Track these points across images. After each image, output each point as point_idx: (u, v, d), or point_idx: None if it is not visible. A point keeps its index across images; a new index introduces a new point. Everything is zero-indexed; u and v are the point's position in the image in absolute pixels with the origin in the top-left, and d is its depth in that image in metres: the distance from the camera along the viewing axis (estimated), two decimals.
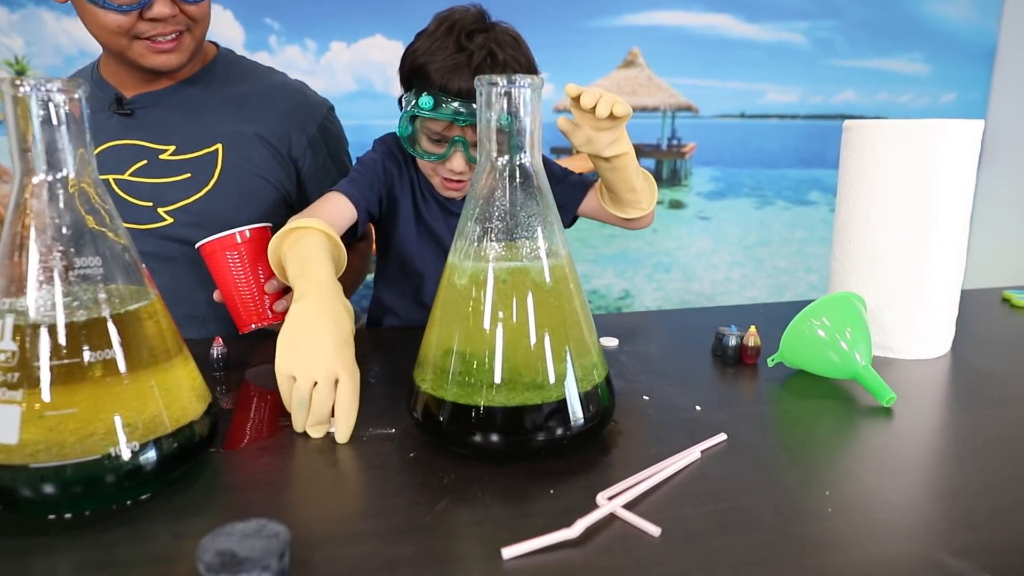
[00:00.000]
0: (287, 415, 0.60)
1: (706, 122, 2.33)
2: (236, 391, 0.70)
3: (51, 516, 0.46)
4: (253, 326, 0.85)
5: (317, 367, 0.59)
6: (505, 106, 0.53)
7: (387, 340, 0.92)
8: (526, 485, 0.50)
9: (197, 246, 0.84)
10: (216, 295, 0.86)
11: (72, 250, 0.47)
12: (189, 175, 0.97)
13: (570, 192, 0.98)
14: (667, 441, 0.57)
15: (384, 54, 2.07)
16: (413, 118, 0.86)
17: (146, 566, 0.41)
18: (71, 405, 0.46)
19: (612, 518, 0.46)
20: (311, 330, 0.61)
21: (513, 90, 0.52)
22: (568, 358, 0.54)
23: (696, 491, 0.50)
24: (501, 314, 0.53)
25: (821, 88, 2.31)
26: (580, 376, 0.54)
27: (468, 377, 0.53)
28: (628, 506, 0.47)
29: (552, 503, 0.48)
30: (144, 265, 0.53)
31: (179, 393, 0.52)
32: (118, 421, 0.47)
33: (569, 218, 1.01)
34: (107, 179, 0.95)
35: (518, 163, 0.54)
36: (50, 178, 0.47)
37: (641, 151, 2.47)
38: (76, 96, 0.47)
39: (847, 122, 0.79)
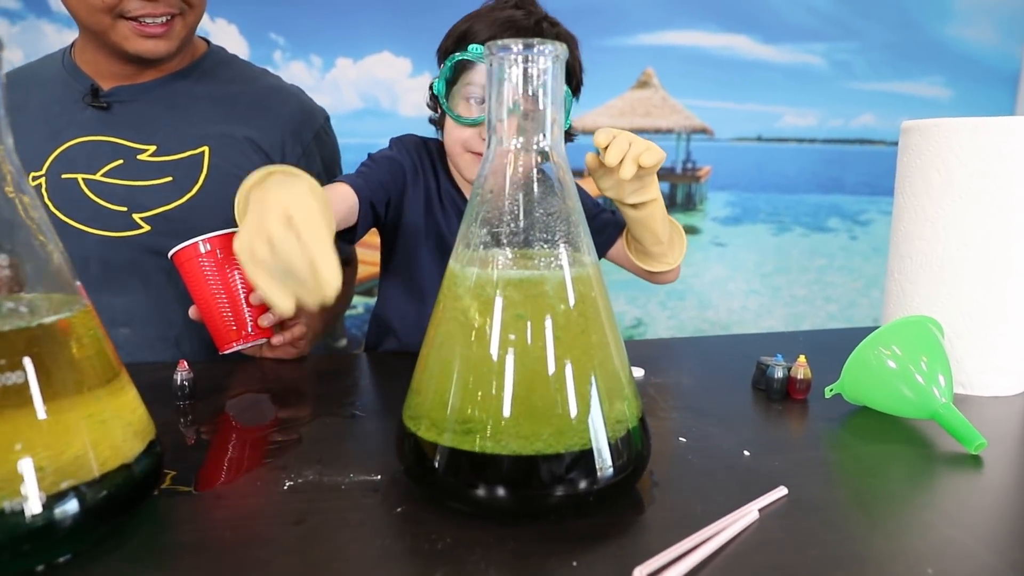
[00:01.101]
0: (260, 453, 0.50)
1: (722, 145, 2.24)
2: (202, 423, 0.60)
3: None
4: (235, 344, 0.75)
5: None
6: (520, 79, 0.43)
7: (384, 365, 0.81)
8: (543, 554, 0.40)
9: (170, 254, 0.74)
10: (192, 311, 0.76)
11: None
12: (170, 179, 0.87)
13: (601, 231, 0.90)
14: (715, 496, 0.46)
15: (391, 71, 2.01)
16: (452, 80, 0.78)
17: None
18: None
19: None
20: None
21: (532, 58, 0.43)
22: (595, 394, 0.43)
23: (760, 565, 0.39)
24: (512, 337, 0.42)
25: (840, 111, 2.22)
26: (609, 416, 0.43)
27: (469, 415, 0.42)
28: None
29: None
30: (77, 278, 0.43)
31: (111, 429, 0.41)
32: (24, 464, 0.37)
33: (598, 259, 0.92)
34: (75, 178, 0.85)
35: (535, 149, 0.44)
36: None
37: (655, 174, 2.38)
38: None
39: (906, 123, 0.69)
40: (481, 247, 0.44)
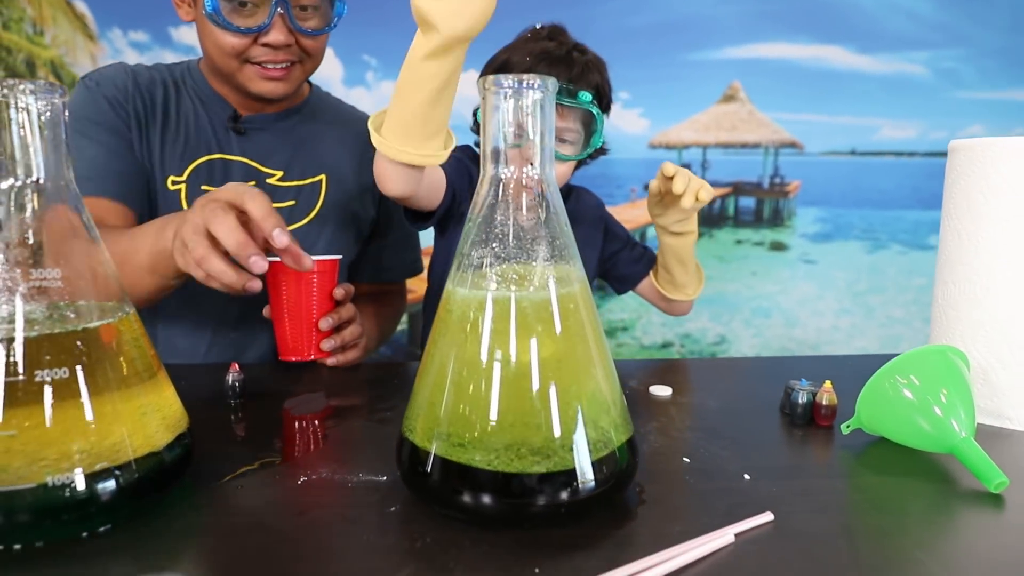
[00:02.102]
0: (288, 450, 0.55)
1: (812, 159, 2.16)
2: (243, 420, 0.66)
3: None
4: (294, 358, 0.82)
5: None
6: (511, 112, 0.46)
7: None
8: (510, 558, 0.42)
9: None
10: (266, 311, 0.84)
11: (30, 260, 0.44)
12: (294, 202, 0.99)
13: (638, 261, 1.04)
14: (698, 517, 0.47)
15: (476, 88, 2.07)
16: None
17: None
18: (15, 427, 0.42)
19: None
20: None
21: (522, 92, 0.45)
22: (577, 411, 0.45)
23: None
24: (497, 354, 0.45)
25: (944, 123, 2.09)
26: (589, 433, 0.45)
27: (453, 427, 0.45)
28: None
29: None
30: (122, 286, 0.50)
31: (146, 421, 0.48)
32: (70, 447, 0.43)
33: (627, 290, 1.06)
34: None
35: (527, 176, 0.47)
36: (15, 184, 0.44)
37: (741, 189, 2.33)
38: (56, 101, 0.45)
39: (953, 142, 0.66)
40: (473, 268, 0.47)
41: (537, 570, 0.41)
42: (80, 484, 0.43)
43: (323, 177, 1.02)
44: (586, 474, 0.44)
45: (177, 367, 0.65)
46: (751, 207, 2.29)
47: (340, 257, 0.85)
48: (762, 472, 0.54)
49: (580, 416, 0.45)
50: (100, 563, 0.41)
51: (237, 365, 0.71)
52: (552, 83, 0.46)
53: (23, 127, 0.44)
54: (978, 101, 2.12)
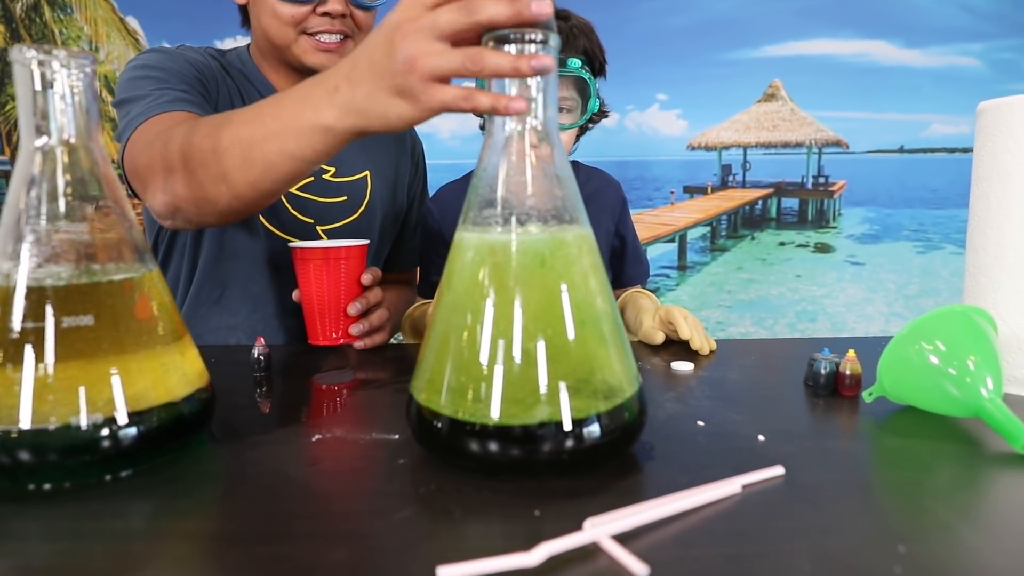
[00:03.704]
0: (303, 414, 0.56)
1: (858, 158, 2.10)
2: (266, 390, 0.68)
3: (30, 486, 0.45)
4: (322, 342, 0.84)
5: None
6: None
7: None
8: (510, 503, 0.42)
9: (290, 246, 0.85)
10: (296, 295, 0.87)
11: (60, 214, 0.46)
12: (346, 198, 1.03)
13: (635, 268, 1.10)
14: (707, 470, 0.46)
15: None
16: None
17: (118, 541, 0.38)
18: (42, 370, 0.44)
19: (594, 551, 0.37)
20: None
21: (523, 47, 0.46)
22: (583, 364, 0.45)
23: (718, 529, 0.39)
24: (499, 305, 0.45)
25: None
26: (599, 388, 0.45)
27: (460, 376, 0.46)
28: (620, 538, 0.37)
29: (530, 525, 0.39)
30: (150, 245, 0.52)
31: (169, 373, 0.50)
32: (96, 392, 0.45)
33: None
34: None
35: (530, 129, 0.47)
36: (45, 143, 0.47)
37: (783, 190, 2.28)
38: (87, 69, 0.48)
39: (981, 104, 0.64)
40: (478, 220, 0.48)
41: (537, 512, 0.41)
42: (104, 428, 0.45)
43: (368, 173, 1.05)
44: (590, 424, 0.44)
45: (202, 348, 0.68)
46: (794, 208, 2.24)
47: (367, 242, 0.87)
48: (778, 435, 0.53)
49: (585, 366, 0.45)
50: (121, 502, 0.43)
51: (263, 340, 0.73)
52: (555, 39, 0.47)
53: (55, 89, 0.46)
54: None
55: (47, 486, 0.45)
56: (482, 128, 1.00)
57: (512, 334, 0.45)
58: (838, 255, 2.15)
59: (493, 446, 0.44)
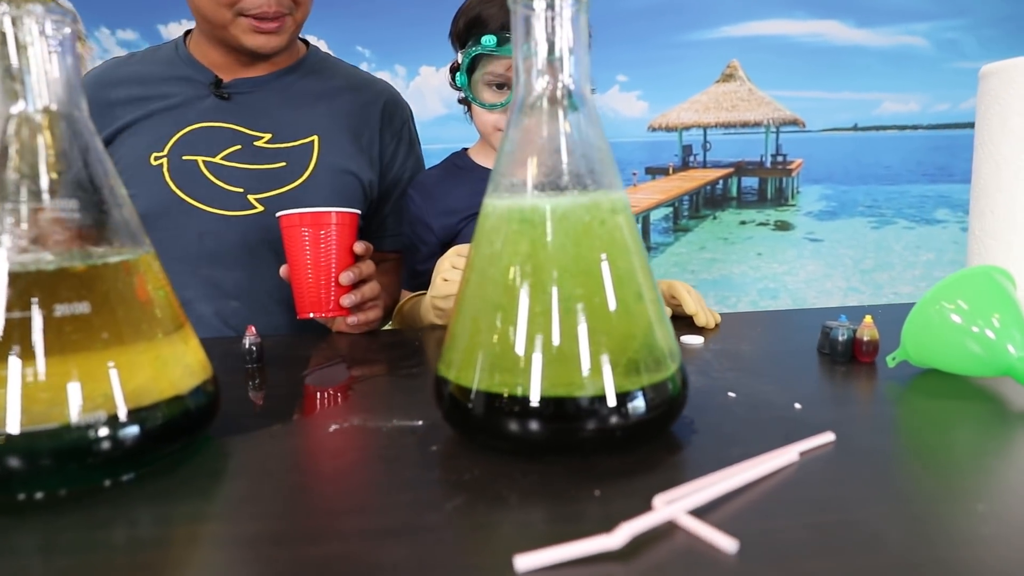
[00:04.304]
0: (311, 405, 0.52)
1: (814, 136, 2.14)
2: (262, 382, 0.63)
3: (20, 496, 0.40)
4: (312, 315, 0.79)
5: None
6: (543, 27, 0.43)
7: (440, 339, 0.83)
8: (565, 485, 0.40)
9: (277, 215, 0.80)
10: (283, 271, 0.82)
11: (46, 189, 0.41)
12: (284, 164, 0.96)
13: None
14: (755, 441, 0.45)
15: None
16: (472, 68, 0.85)
17: (143, 550, 0.34)
18: (32, 364, 0.39)
19: (672, 528, 0.34)
20: None
21: (554, 7, 0.43)
22: (631, 338, 0.43)
23: (791, 499, 0.37)
24: (539, 272, 0.43)
25: (947, 95, 2.08)
26: (644, 358, 0.43)
27: (499, 353, 0.43)
28: (695, 513, 0.35)
29: (597, 507, 0.37)
30: (146, 231, 0.47)
31: (170, 366, 0.45)
32: (92, 387, 0.41)
33: None
34: (195, 160, 0.94)
35: (560, 91, 0.45)
36: (29, 109, 0.42)
37: (744, 169, 2.31)
38: (66, 29, 0.43)
39: (984, 68, 0.65)
40: (510, 189, 0.45)
41: (598, 492, 0.38)
42: (103, 426, 0.40)
43: (315, 138, 0.98)
44: (639, 398, 0.42)
45: None
46: (754, 187, 2.27)
47: (359, 212, 0.83)
48: (812, 402, 0.52)
49: (635, 338, 0.43)
50: (133, 507, 0.39)
51: (254, 328, 0.68)
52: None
53: (30, 49, 0.41)
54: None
55: (37, 495, 0.40)
56: (461, 102, 0.96)
57: (554, 305, 0.42)
58: (797, 232, 2.19)
59: (541, 424, 0.41)
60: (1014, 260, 0.63)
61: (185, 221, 0.92)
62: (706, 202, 2.29)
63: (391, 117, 1.07)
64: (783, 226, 2.18)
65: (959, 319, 0.54)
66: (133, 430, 0.42)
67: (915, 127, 2.13)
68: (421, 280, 0.97)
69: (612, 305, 0.43)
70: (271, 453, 0.46)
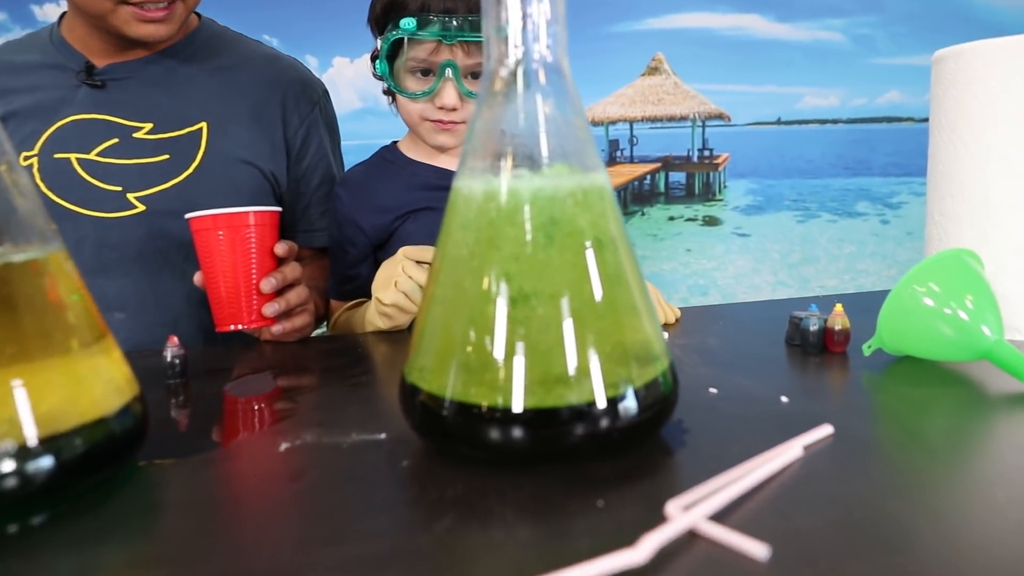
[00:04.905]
0: (254, 422, 0.46)
1: (739, 130, 2.19)
2: (192, 399, 0.57)
3: None
4: (233, 327, 0.72)
5: None
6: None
7: (391, 342, 0.78)
8: (562, 496, 0.36)
9: (187, 217, 0.71)
10: (198, 277, 0.73)
11: None
12: (167, 156, 0.85)
13: None
14: (751, 437, 0.42)
15: None
16: (392, 55, 0.78)
17: None
18: None
19: (692, 536, 0.31)
20: None
21: None
22: (619, 328, 0.39)
23: (809, 497, 0.35)
24: (519, 266, 0.38)
25: (864, 89, 2.16)
26: (635, 355, 0.39)
27: (476, 356, 0.38)
28: (715, 518, 0.32)
29: (602, 518, 0.33)
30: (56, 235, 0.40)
31: (89, 382, 0.38)
32: None
33: None
34: (68, 158, 0.83)
35: (535, 64, 0.40)
36: None
37: (671, 164, 2.33)
38: None
39: (937, 53, 0.65)
40: (483, 167, 0.40)
41: (600, 502, 0.34)
42: (7, 459, 0.34)
43: (204, 125, 0.88)
44: (631, 399, 0.39)
45: None
46: (682, 182, 2.30)
47: (280, 209, 0.75)
48: (797, 394, 0.50)
49: (624, 332, 0.39)
50: (51, 555, 0.32)
51: (176, 339, 0.61)
52: None
53: None
54: (893, 67, 2.20)
55: None
56: (386, 93, 0.89)
57: (536, 298, 0.38)
58: (725, 227, 2.23)
59: (527, 431, 0.37)
60: (977, 244, 0.63)
61: (61, 227, 0.80)
62: (634, 198, 2.30)
63: (298, 97, 0.94)
64: (711, 221, 2.22)
65: (932, 302, 0.53)
66: (46, 461, 0.35)
67: (835, 121, 2.21)
68: (350, 287, 0.88)
69: (599, 296, 0.39)
70: (215, 479, 0.40)
